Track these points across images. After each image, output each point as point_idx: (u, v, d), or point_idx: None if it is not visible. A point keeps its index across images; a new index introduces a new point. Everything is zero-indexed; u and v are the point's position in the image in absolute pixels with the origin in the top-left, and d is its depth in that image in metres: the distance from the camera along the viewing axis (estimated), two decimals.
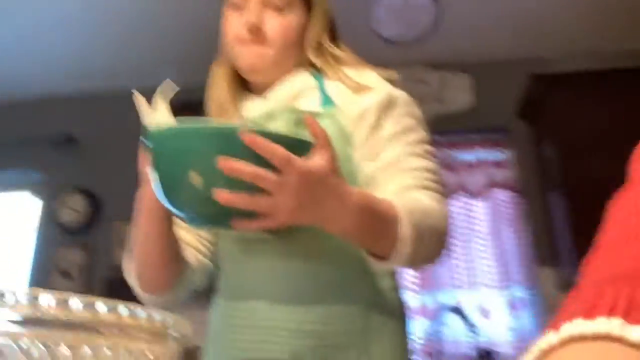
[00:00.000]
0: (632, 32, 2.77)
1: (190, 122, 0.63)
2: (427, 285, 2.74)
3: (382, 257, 0.72)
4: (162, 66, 3.04)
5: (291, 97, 0.90)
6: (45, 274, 3.08)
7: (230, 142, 0.59)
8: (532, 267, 2.68)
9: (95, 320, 0.38)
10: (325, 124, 0.83)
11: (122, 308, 0.39)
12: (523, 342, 2.59)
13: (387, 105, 0.85)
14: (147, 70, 3.12)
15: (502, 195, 2.83)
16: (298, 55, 0.93)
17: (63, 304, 0.37)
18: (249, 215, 0.61)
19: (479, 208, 2.86)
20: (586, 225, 2.43)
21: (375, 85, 0.87)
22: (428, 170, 0.82)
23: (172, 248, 0.82)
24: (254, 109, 0.93)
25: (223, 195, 0.58)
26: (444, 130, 2.89)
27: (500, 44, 2.89)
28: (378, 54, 2.95)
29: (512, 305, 2.66)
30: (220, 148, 0.59)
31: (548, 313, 2.54)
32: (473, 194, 2.86)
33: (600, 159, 2.42)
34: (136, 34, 2.84)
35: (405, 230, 0.70)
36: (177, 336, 0.43)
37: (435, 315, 2.53)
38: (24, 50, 2.97)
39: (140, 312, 0.40)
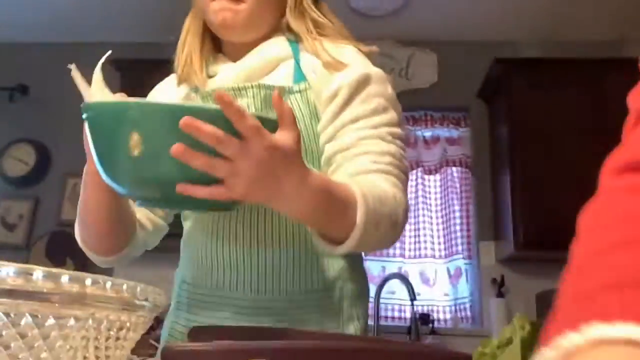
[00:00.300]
0: (594, 24, 2.86)
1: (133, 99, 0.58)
2: (375, 254, 2.84)
3: (333, 242, 0.71)
4: (122, 20, 2.98)
5: (263, 66, 0.87)
6: None
7: (181, 114, 0.53)
8: (474, 240, 2.81)
9: (59, 291, 0.39)
10: (295, 99, 0.83)
11: (88, 279, 0.40)
12: (457, 307, 2.75)
13: (360, 85, 0.82)
14: (105, 25, 3.03)
15: (455, 171, 2.92)
16: (275, 16, 0.89)
17: (26, 275, 0.38)
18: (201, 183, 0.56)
19: (431, 182, 2.96)
20: (526, 203, 2.59)
21: (352, 62, 0.83)
22: (390, 154, 0.79)
23: (118, 215, 0.80)
24: (223, 74, 0.89)
25: (178, 149, 0.52)
26: (406, 106, 2.95)
27: (468, 24, 2.95)
28: (347, 25, 3.02)
29: (452, 275, 2.80)
30: (169, 120, 0.53)
31: (484, 283, 2.69)
32: (428, 169, 2.95)
33: (549, 145, 2.54)
34: None
35: (360, 216, 0.68)
36: (149, 305, 0.44)
37: (381, 281, 2.64)
38: None
39: (108, 282, 0.41)
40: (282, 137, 0.59)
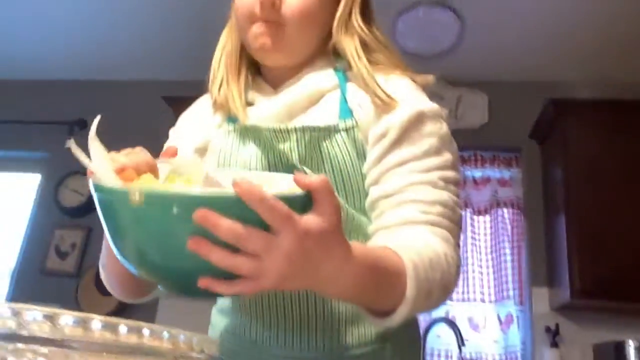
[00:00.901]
0: None
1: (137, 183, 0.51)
2: None
3: (379, 313, 0.63)
4: (171, 60, 3.10)
5: (306, 99, 0.80)
6: (41, 252, 3.10)
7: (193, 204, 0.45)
8: (526, 285, 2.70)
9: (117, 342, 0.38)
10: (342, 138, 0.77)
11: (145, 329, 0.39)
12: (508, 356, 2.62)
13: (411, 125, 0.74)
14: (158, 63, 3.16)
15: (506, 213, 2.84)
16: (319, 37, 0.82)
17: (84, 324, 0.37)
18: (221, 276, 0.47)
19: (481, 223, 2.88)
20: (584, 249, 2.49)
21: (405, 99, 0.76)
22: (442, 203, 0.70)
23: None
24: (263, 106, 0.82)
25: (193, 243, 0.45)
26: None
27: (519, 65, 2.91)
28: None
29: (503, 321, 2.68)
30: (182, 211, 0.46)
31: (537, 331, 2.56)
32: (477, 210, 2.88)
33: (606, 187, 2.44)
34: (147, 29, 2.85)
35: (410, 290, 0.60)
36: (204, 357, 0.43)
37: (426, 325, 2.56)
38: (45, 35, 3.06)
39: (164, 332, 0.40)
40: (317, 218, 0.49)
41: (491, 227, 2.88)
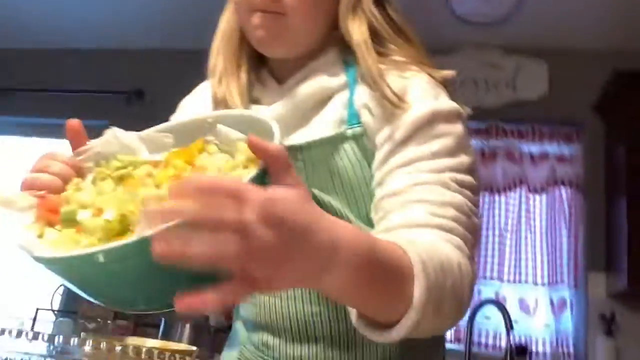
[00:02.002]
0: None
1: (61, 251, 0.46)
2: None
3: (379, 325, 0.53)
4: None
5: (314, 99, 0.73)
6: None
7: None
8: (582, 269, 2.57)
9: None
10: (351, 148, 0.71)
11: None
12: (560, 343, 2.53)
13: (422, 124, 0.66)
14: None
15: (564, 192, 2.70)
16: (325, 26, 0.74)
17: None
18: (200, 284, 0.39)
19: (537, 202, 2.75)
20: None
21: (418, 100, 0.68)
22: (455, 206, 0.61)
23: None
24: (267, 111, 0.74)
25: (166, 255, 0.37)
26: (512, 119, 2.79)
27: (582, 33, 2.69)
28: (448, 32, 2.92)
29: (555, 305, 2.58)
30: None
31: (591, 318, 2.45)
32: (533, 188, 2.75)
33: None
34: None
35: (419, 293, 0.50)
36: None
37: (475, 306, 2.50)
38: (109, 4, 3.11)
39: None
40: (279, 187, 0.42)
41: (547, 207, 2.74)
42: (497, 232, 2.76)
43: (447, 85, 0.72)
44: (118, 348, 0.40)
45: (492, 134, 2.84)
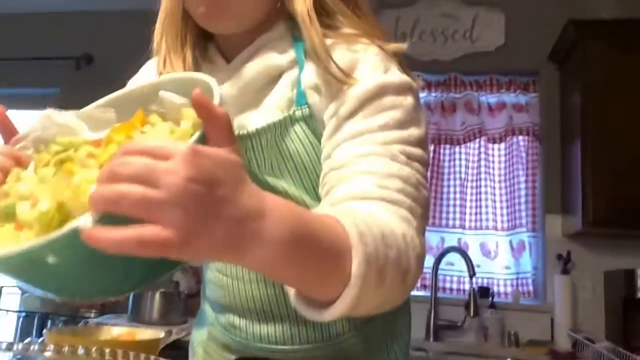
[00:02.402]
0: None
1: None
2: (434, 224, 2.79)
3: (317, 304, 0.51)
4: None
5: (264, 78, 0.70)
6: None
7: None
8: (540, 213, 2.70)
9: None
10: (301, 129, 0.68)
11: None
12: (520, 282, 2.68)
13: (369, 97, 0.64)
14: None
15: (521, 140, 2.78)
16: None
17: None
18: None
19: (495, 151, 2.84)
20: (598, 177, 2.46)
21: (367, 72, 0.65)
22: (402, 178, 0.59)
23: None
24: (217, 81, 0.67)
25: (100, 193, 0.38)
26: (470, 70, 2.83)
27: None
28: None
29: (515, 248, 2.71)
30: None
31: (549, 258, 2.59)
32: (492, 138, 2.82)
33: (625, 114, 2.36)
34: None
35: (357, 266, 0.48)
36: None
37: (439, 253, 2.61)
38: None
39: None
40: (211, 147, 0.42)
41: (506, 155, 2.83)
42: (458, 182, 2.84)
43: (399, 58, 0.69)
44: (81, 351, 0.41)
45: (451, 86, 2.88)
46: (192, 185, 0.37)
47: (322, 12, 0.69)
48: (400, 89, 0.65)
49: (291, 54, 0.71)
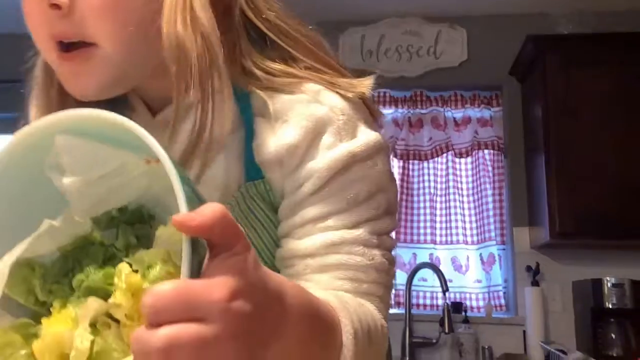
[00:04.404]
0: None
1: None
2: (405, 240, 2.80)
3: None
4: None
5: (201, 147, 0.54)
6: None
7: None
8: (508, 225, 2.73)
9: None
10: (255, 209, 0.59)
11: None
12: (491, 295, 2.71)
13: (338, 172, 0.56)
14: None
15: (487, 154, 2.82)
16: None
17: None
18: None
19: (462, 165, 2.87)
20: (563, 188, 2.50)
21: (332, 142, 0.57)
22: (376, 267, 0.56)
23: None
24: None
25: None
26: (435, 86, 2.87)
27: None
28: (370, 2, 2.93)
29: (485, 261, 2.74)
30: None
31: (518, 270, 2.63)
32: (458, 152, 2.86)
33: (586, 126, 2.42)
34: None
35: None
36: None
37: (412, 269, 2.61)
38: None
39: None
40: (230, 277, 0.34)
41: (472, 169, 2.87)
42: (427, 197, 2.86)
43: (363, 97, 0.60)
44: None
45: (417, 102, 2.91)
46: (245, 308, 0.33)
47: (264, 47, 0.59)
48: (370, 154, 0.58)
49: (234, 111, 0.57)
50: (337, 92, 0.58)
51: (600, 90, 2.45)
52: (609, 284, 2.29)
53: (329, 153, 0.56)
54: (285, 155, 0.56)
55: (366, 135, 0.58)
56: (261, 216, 0.59)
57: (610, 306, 2.28)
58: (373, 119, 0.62)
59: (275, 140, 0.56)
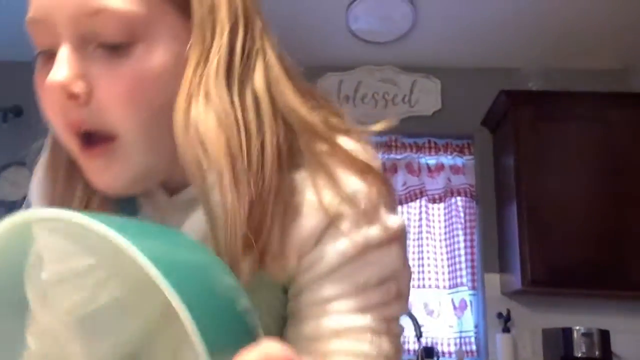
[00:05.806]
0: (600, 52, 2.85)
1: None
2: None
3: None
4: None
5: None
6: None
7: None
8: (479, 271, 2.79)
9: None
10: (265, 298, 0.56)
11: None
12: (462, 340, 2.72)
13: (353, 258, 0.53)
14: None
15: (459, 201, 2.90)
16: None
17: None
18: None
19: (436, 211, 2.93)
20: (534, 237, 2.57)
21: (351, 229, 0.53)
22: (384, 354, 0.54)
23: None
24: (157, 216, 0.59)
25: None
26: (409, 133, 2.95)
27: (472, 52, 2.92)
28: (348, 50, 3.03)
29: (457, 307, 2.77)
30: None
31: (489, 316, 2.66)
32: (432, 198, 2.92)
33: (556, 177, 2.53)
34: None
35: None
36: None
37: None
38: None
39: None
40: None
41: (445, 215, 2.93)
42: None
43: (385, 181, 0.56)
44: None
45: (392, 147, 2.98)
46: None
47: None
48: (385, 241, 0.54)
49: None
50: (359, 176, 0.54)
51: (567, 143, 2.58)
52: (578, 333, 2.35)
53: (345, 239, 0.53)
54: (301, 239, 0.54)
55: (385, 222, 0.55)
56: (271, 294, 0.56)
57: (580, 355, 2.34)
58: (392, 199, 0.58)
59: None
